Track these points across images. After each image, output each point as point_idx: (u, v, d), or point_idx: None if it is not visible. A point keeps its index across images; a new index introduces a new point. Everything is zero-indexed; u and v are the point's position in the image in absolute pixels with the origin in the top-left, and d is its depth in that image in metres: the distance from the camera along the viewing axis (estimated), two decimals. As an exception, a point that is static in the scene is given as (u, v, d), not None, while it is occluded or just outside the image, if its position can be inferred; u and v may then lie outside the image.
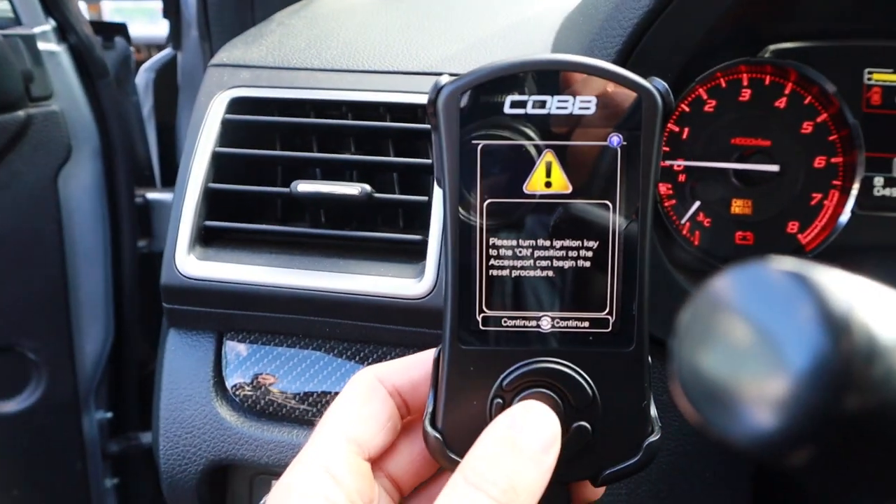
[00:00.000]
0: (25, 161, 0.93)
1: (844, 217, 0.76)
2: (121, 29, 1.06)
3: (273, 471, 0.69)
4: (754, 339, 0.21)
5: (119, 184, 1.04)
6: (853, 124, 0.75)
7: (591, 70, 0.45)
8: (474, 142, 0.46)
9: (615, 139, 0.46)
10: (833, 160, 0.76)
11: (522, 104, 0.46)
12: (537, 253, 0.47)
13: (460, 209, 0.47)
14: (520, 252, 0.47)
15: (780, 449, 0.20)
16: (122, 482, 1.22)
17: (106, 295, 1.08)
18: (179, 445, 0.68)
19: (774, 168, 0.75)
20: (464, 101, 0.46)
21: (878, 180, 0.77)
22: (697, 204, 0.76)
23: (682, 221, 0.76)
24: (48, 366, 1.04)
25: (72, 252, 1.01)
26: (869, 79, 0.76)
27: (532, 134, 0.46)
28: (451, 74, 0.48)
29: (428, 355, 0.49)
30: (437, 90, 0.46)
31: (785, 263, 0.21)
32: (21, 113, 0.90)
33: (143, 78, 1.13)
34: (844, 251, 0.77)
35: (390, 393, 0.46)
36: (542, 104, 0.45)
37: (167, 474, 0.68)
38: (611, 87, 0.45)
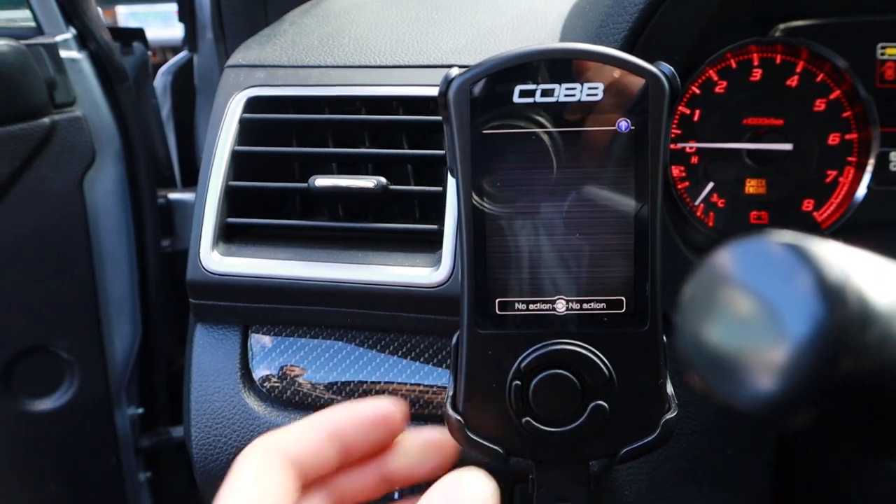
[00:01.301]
0: (51, 166, 0.95)
1: (860, 193, 0.76)
2: (138, 34, 1.08)
3: (301, 459, 0.71)
4: (755, 309, 0.22)
5: (141, 185, 1.07)
6: (866, 100, 0.75)
7: (597, 57, 0.46)
8: (485, 131, 0.47)
9: (624, 124, 0.47)
10: (847, 137, 0.76)
11: (531, 93, 0.47)
12: (550, 238, 0.49)
13: (473, 198, 0.48)
14: (533, 237, 0.48)
15: (781, 411, 0.21)
16: (154, 476, 1.25)
17: (133, 294, 1.11)
18: (211, 436, 0.70)
19: (788, 147, 0.75)
20: (473, 93, 0.47)
21: (894, 155, 0.77)
22: (711, 185, 0.76)
23: (697, 203, 0.77)
24: (80, 364, 1.07)
25: (99, 253, 1.04)
26: (882, 54, 0.76)
27: (542, 122, 0.47)
28: (462, 66, 0.49)
29: (322, 416, 0.45)
30: (448, 82, 0.48)
31: (783, 236, 0.23)
32: (46, 120, 0.93)
33: (161, 81, 1.15)
34: (861, 227, 0.77)
35: (287, 463, 0.41)
36: (551, 92, 0.46)
37: (200, 464, 0.71)
38: (617, 74, 0.46)
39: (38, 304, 1.02)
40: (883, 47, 0.76)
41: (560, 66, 0.46)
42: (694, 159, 0.76)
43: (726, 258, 0.23)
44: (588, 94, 0.46)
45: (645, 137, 0.47)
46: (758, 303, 0.22)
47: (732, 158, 0.76)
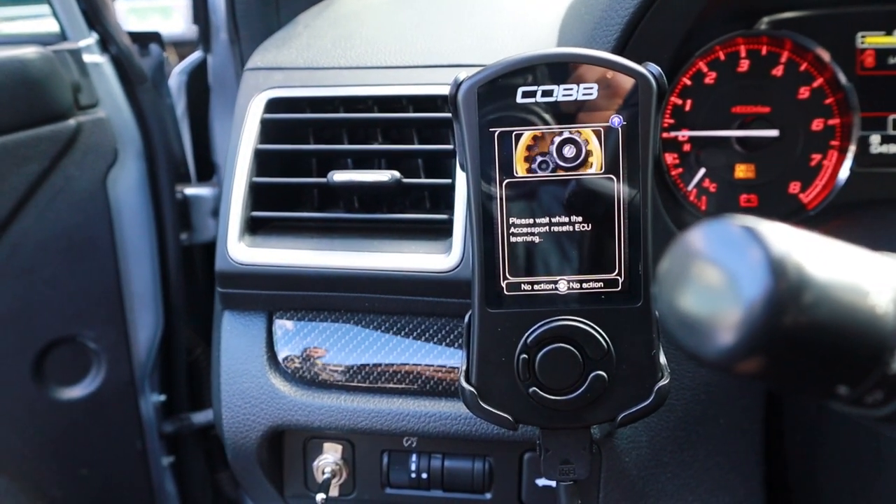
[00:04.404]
0: (77, 165, 1.00)
1: (843, 175, 0.81)
2: (155, 37, 1.13)
3: (324, 434, 0.76)
4: (717, 278, 0.27)
5: (161, 182, 1.11)
6: (847, 87, 0.80)
7: (592, 60, 0.51)
8: (491, 129, 0.53)
9: (616, 120, 0.52)
10: (830, 122, 0.81)
11: (532, 94, 0.52)
12: (552, 224, 0.54)
13: (482, 190, 0.53)
14: (536, 224, 0.54)
15: (738, 359, 0.26)
16: (176, 460, 1.30)
17: (154, 286, 1.16)
18: (240, 415, 0.75)
19: (774, 133, 0.80)
20: (480, 94, 0.52)
21: (875, 138, 0.81)
22: (703, 171, 0.81)
23: (689, 188, 0.82)
24: (107, 353, 1.12)
25: (122, 248, 1.09)
26: (862, 42, 0.80)
27: (543, 119, 0.52)
28: (468, 66, 0.54)
29: None
30: (457, 85, 0.53)
31: (741, 220, 0.28)
32: (72, 121, 0.98)
33: (176, 80, 1.19)
34: (845, 207, 0.81)
35: None
36: (550, 93, 0.52)
37: (231, 441, 0.76)
38: (610, 75, 0.51)
39: (67, 296, 1.07)
40: (862, 36, 0.80)
41: (558, 68, 0.51)
42: (686, 147, 0.81)
43: (694, 238, 0.28)
44: (584, 94, 0.52)
45: (636, 131, 0.52)
46: (719, 274, 0.27)
47: (723, 145, 0.81)
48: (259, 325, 0.76)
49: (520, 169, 0.53)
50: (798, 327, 0.25)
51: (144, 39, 1.11)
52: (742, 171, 0.82)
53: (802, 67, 0.80)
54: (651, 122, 0.52)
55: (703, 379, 0.75)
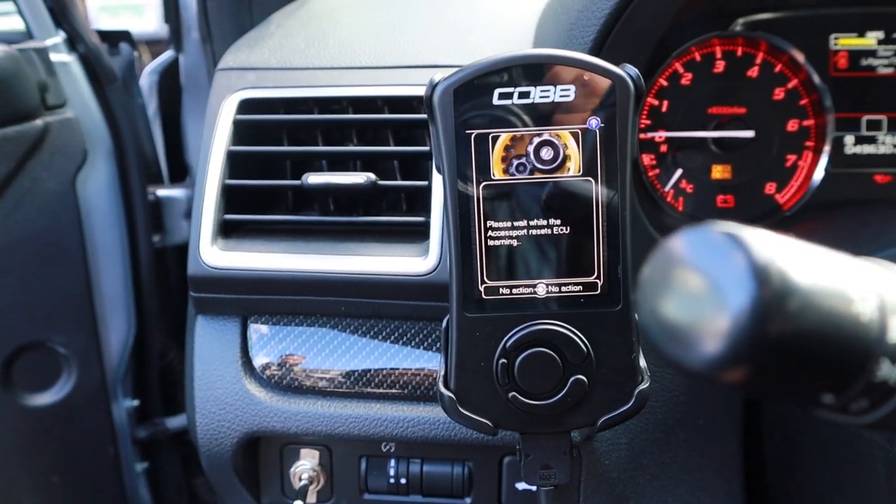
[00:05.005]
0: (45, 167, 0.98)
1: (818, 176, 0.82)
2: (125, 36, 1.10)
3: (300, 440, 0.75)
4: (699, 286, 0.26)
5: (132, 183, 1.09)
6: (821, 88, 0.80)
7: (569, 62, 0.50)
8: (468, 131, 0.52)
9: (594, 122, 0.51)
10: (805, 123, 0.81)
11: (509, 95, 0.51)
12: (530, 227, 0.53)
13: (459, 192, 0.52)
14: (514, 227, 0.53)
15: (723, 369, 0.26)
16: (150, 466, 1.28)
17: (126, 289, 1.13)
18: (214, 422, 0.73)
19: (750, 134, 0.80)
20: (456, 96, 0.51)
21: (849, 139, 0.82)
22: (680, 172, 0.81)
23: (667, 189, 0.82)
24: (77, 358, 1.09)
25: (92, 250, 1.07)
26: (835, 44, 0.81)
27: (520, 121, 0.52)
28: (444, 66, 0.54)
29: None
30: (433, 87, 0.52)
31: (723, 226, 0.27)
32: (39, 122, 0.95)
33: (148, 80, 1.17)
34: (820, 208, 0.82)
35: None
36: (527, 94, 0.51)
37: (205, 448, 0.74)
38: (587, 76, 0.51)
39: (35, 301, 1.04)
40: (836, 38, 0.81)
41: (535, 70, 0.51)
42: (663, 148, 0.81)
43: (677, 245, 0.27)
44: (561, 95, 0.51)
45: (613, 133, 0.52)
46: (702, 281, 0.26)
47: (699, 146, 0.81)
48: (233, 329, 0.74)
49: (497, 171, 0.52)
50: (783, 335, 0.25)
51: (114, 38, 1.08)
52: (718, 171, 0.82)
53: (777, 69, 0.80)
54: (629, 123, 0.51)
55: (682, 381, 0.75)
